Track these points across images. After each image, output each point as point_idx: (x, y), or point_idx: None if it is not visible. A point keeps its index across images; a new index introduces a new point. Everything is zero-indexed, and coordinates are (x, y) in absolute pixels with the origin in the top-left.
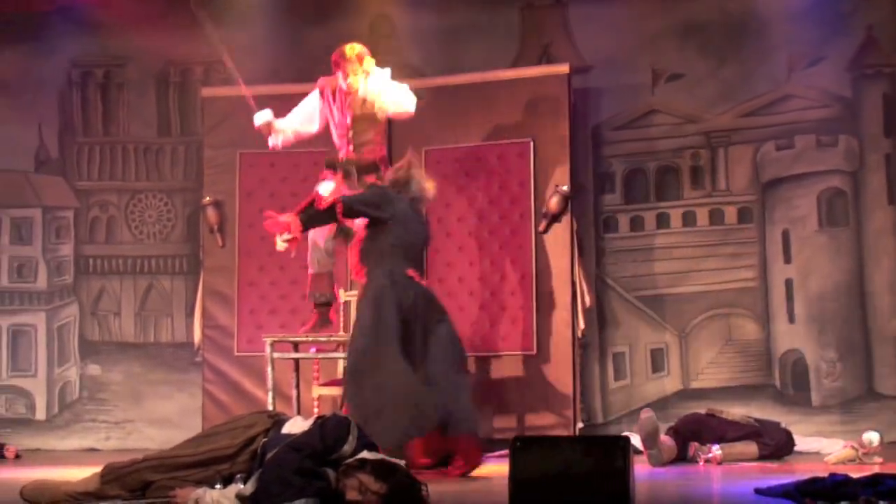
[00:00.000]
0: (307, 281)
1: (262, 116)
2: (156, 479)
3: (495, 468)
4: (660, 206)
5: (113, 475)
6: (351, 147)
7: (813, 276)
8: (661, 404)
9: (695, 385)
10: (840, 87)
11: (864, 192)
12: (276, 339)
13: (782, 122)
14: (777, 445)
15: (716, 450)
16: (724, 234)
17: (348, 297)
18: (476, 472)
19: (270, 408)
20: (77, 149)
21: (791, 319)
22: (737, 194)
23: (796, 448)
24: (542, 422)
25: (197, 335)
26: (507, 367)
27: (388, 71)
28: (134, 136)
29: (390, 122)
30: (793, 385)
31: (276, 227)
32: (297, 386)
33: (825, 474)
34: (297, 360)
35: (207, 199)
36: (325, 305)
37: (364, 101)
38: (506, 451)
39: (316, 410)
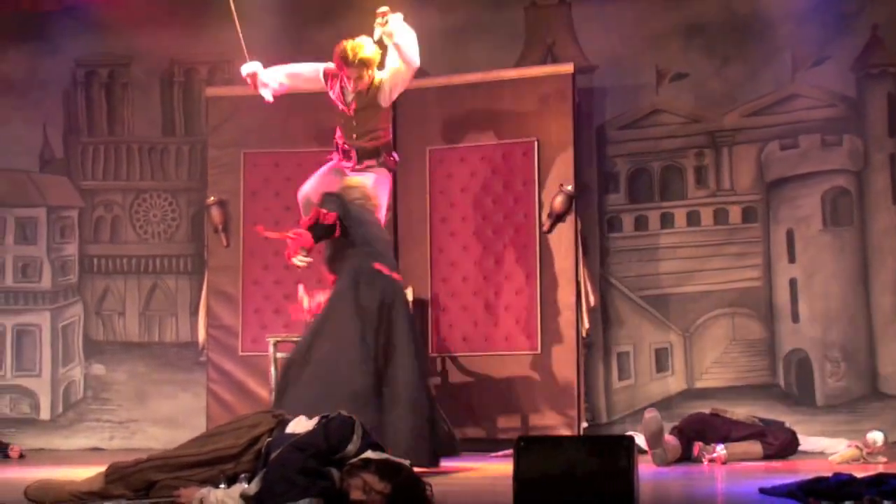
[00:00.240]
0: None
1: (248, 67)
2: (160, 478)
3: (499, 468)
4: (664, 205)
5: (117, 475)
6: (354, 135)
7: (817, 275)
8: (665, 404)
9: (699, 385)
10: (845, 87)
11: (868, 191)
12: (279, 339)
13: (787, 121)
14: (781, 445)
15: (720, 449)
16: (728, 234)
17: None
18: (480, 472)
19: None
20: (81, 148)
21: (795, 319)
22: (741, 194)
23: (801, 448)
24: (546, 421)
25: (201, 335)
26: (511, 366)
27: (398, 16)
28: (138, 136)
29: (395, 121)
30: (797, 385)
31: (294, 247)
32: None
33: (829, 474)
34: None
35: (212, 198)
36: None
37: (368, 91)
38: (510, 451)
39: None
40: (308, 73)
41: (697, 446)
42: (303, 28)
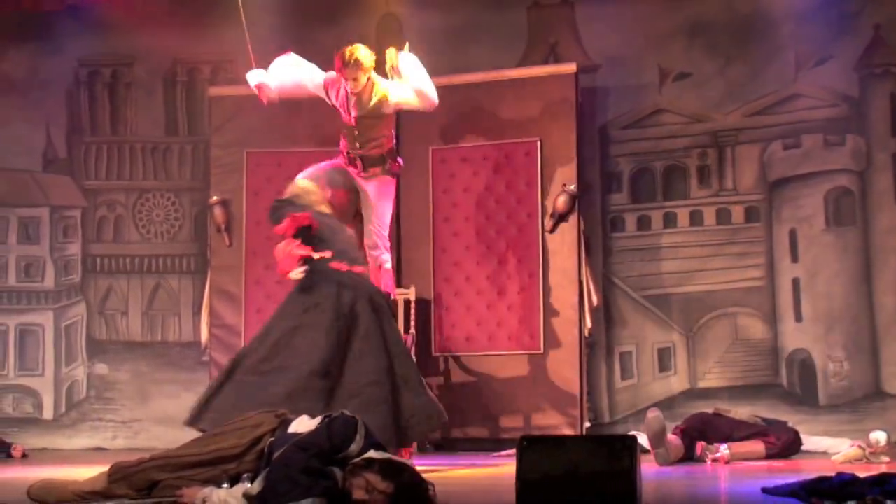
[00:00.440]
0: None
1: (255, 77)
2: (163, 478)
3: (502, 468)
4: (667, 205)
5: (120, 474)
6: (357, 144)
7: (820, 275)
8: (667, 403)
9: (702, 384)
10: (847, 87)
11: (871, 191)
12: None
13: (789, 121)
14: (784, 445)
15: (723, 449)
16: (731, 234)
17: None
18: (482, 472)
19: None
20: (85, 148)
21: (798, 319)
22: (744, 193)
23: (803, 447)
24: (549, 421)
25: (204, 334)
26: (513, 366)
27: (412, 59)
28: (141, 136)
29: (398, 121)
30: (800, 384)
31: (289, 264)
32: None
33: (832, 474)
34: None
35: (215, 198)
36: None
37: (370, 100)
38: (512, 451)
39: None
40: (312, 86)
41: (700, 446)
42: (305, 28)
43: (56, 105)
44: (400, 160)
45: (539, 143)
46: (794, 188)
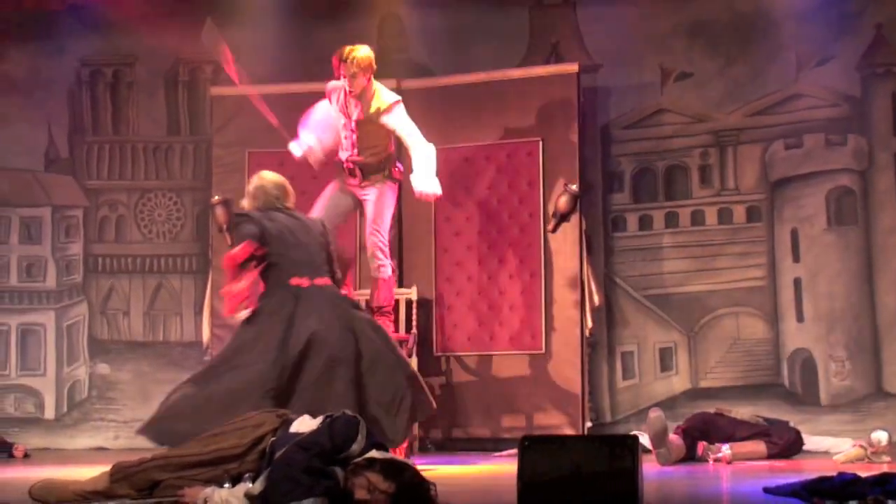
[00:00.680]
0: None
1: (297, 147)
2: (164, 478)
3: (503, 467)
4: (668, 205)
5: (121, 474)
6: (356, 150)
7: (821, 275)
8: (669, 403)
9: (703, 384)
10: (849, 86)
11: (872, 191)
12: None
13: (791, 121)
14: (786, 444)
15: (725, 449)
16: (732, 234)
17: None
18: (484, 472)
19: None
20: (86, 148)
21: (800, 318)
22: (745, 193)
23: (805, 447)
24: (551, 421)
25: (206, 334)
26: (515, 366)
27: (399, 109)
28: (143, 136)
29: None
30: (801, 384)
31: (235, 300)
32: None
33: (834, 473)
34: None
35: (216, 198)
36: None
37: (370, 106)
38: (514, 451)
39: None
40: (330, 119)
41: (701, 446)
42: (305, 28)
43: (58, 105)
44: (400, 166)
45: (541, 143)
46: (795, 188)
